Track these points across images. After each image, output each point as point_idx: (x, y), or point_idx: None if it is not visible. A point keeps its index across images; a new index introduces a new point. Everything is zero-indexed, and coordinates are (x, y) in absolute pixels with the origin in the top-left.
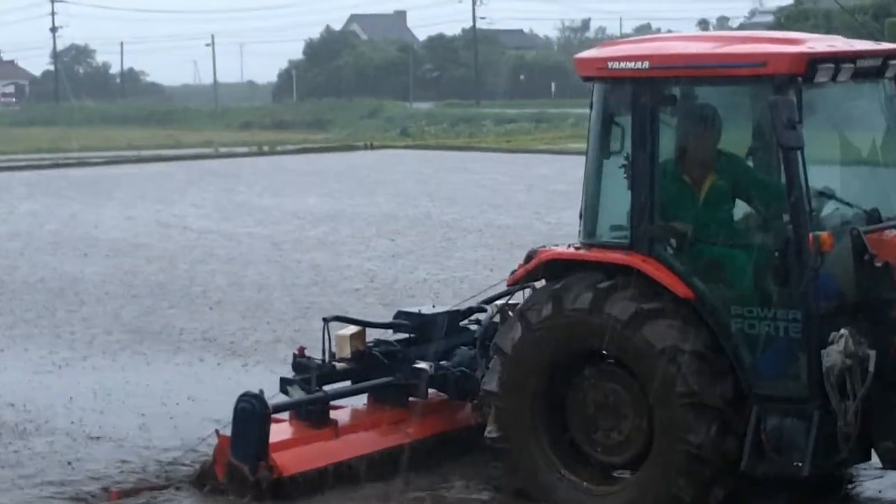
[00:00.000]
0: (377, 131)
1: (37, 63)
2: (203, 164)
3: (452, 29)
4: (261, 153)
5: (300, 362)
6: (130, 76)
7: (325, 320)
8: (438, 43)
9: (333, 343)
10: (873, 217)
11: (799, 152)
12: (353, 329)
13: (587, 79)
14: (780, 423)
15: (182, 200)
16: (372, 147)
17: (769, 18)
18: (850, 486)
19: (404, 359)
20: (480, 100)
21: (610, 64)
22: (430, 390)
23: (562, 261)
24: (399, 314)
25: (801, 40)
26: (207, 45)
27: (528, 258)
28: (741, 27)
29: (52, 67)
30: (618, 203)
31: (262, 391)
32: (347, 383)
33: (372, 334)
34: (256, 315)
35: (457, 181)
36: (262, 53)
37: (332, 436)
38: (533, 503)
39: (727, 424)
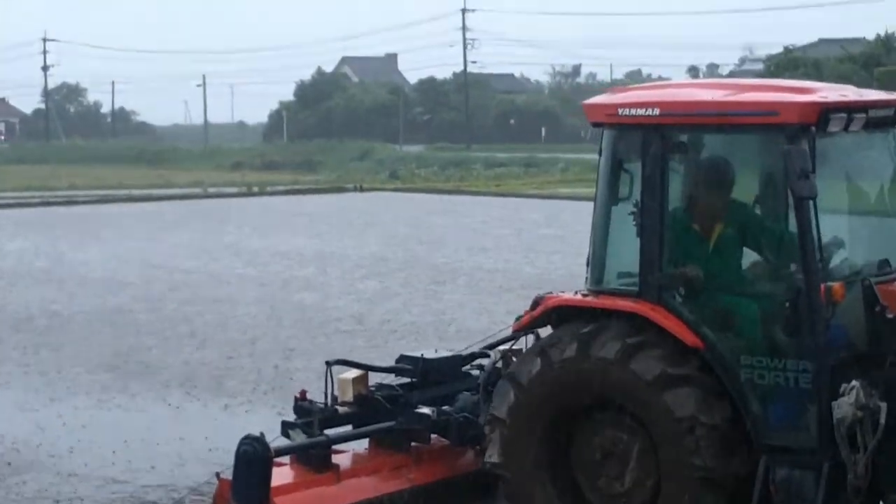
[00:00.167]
0: (367, 173)
1: (28, 101)
2: (192, 204)
3: (443, 72)
4: (250, 194)
5: (302, 405)
6: (121, 115)
7: (328, 364)
8: (429, 86)
9: (336, 387)
10: (884, 267)
11: (811, 202)
12: (355, 373)
13: (596, 125)
14: (789, 475)
15: (170, 240)
16: (361, 189)
17: (759, 66)
18: None
19: (406, 403)
20: (470, 143)
21: (620, 110)
22: (432, 436)
23: (568, 307)
24: (401, 358)
25: (813, 89)
26: (198, 85)
27: (535, 304)
28: (731, 75)
29: (43, 106)
30: (626, 250)
31: (262, 434)
32: (349, 427)
33: (373, 378)
34: (241, 355)
35: (446, 224)
36: (253, 94)
37: (334, 480)
38: None
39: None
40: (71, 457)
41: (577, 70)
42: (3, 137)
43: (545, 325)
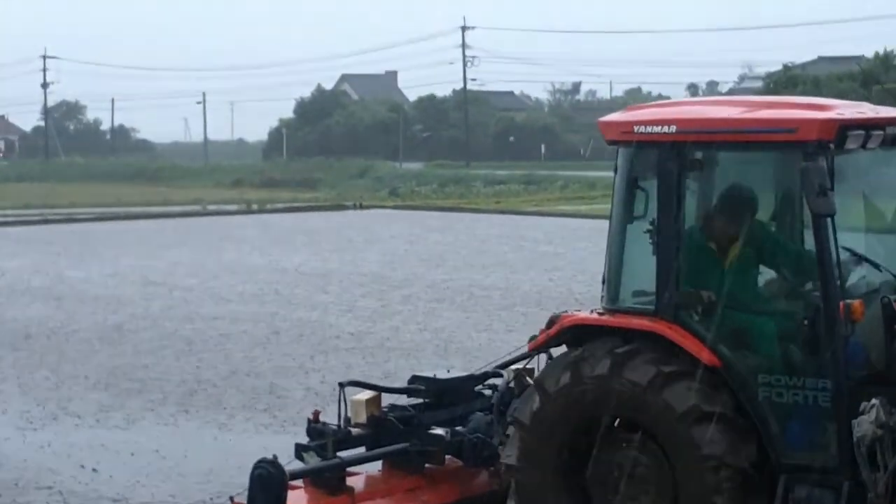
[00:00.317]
0: (367, 191)
1: (27, 119)
2: (192, 222)
3: (443, 90)
4: (250, 211)
5: (315, 427)
6: (121, 133)
7: (341, 385)
8: (429, 104)
9: (349, 408)
10: None
11: (829, 219)
12: (368, 394)
13: (612, 142)
14: (808, 494)
15: (169, 258)
16: (361, 207)
17: (758, 84)
18: None
19: (420, 425)
20: (470, 161)
21: (636, 128)
22: (446, 457)
23: (584, 326)
24: (414, 379)
25: (830, 106)
26: (198, 102)
27: (550, 323)
28: (730, 92)
29: (42, 123)
30: (642, 268)
31: (275, 457)
32: (362, 449)
33: (385, 399)
34: (239, 373)
35: (445, 241)
36: (253, 112)
37: (349, 503)
38: None
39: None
40: (73, 477)
41: (576, 87)
42: (1, 155)
43: (560, 345)
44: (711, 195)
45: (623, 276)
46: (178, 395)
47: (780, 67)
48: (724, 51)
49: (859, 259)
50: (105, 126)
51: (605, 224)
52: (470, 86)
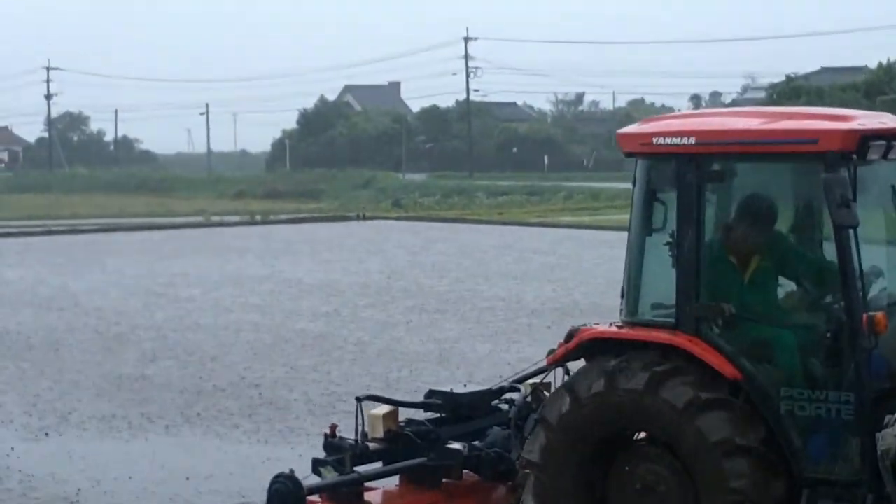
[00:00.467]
0: (370, 202)
1: (31, 130)
2: (195, 233)
3: (446, 101)
4: (253, 222)
5: (332, 442)
6: (124, 144)
7: (358, 399)
8: (432, 114)
9: (366, 423)
10: None
11: (852, 231)
12: (385, 408)
13: (630, 154)
14: None
15: (172, 269)
16: (364, 217)
17: (762, 95)
18: None
19: (437, 439)
20: (473, 171)
21: (655, 139)
22: (464, 471)
23: (603, 339)
24: (431, 393)
25: (851, 117)
26: (202, 113)
27: (569, 337)
28: (733, 103)
29: (46, 134)
30: (661, 281)
31: (292, 471)
32: (379, 464)
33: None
34: (242, 384)
35: (449, 252)
36: (256, 123)
37: None
38: None
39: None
40: (80, 488)
41: (579, 98)
42: (3, 165)
43: (579, 358)
44: (731, 207)
45: (642, 289)
46: (180, 404)
47: (783, 78)
48: (727, 62)
49: (880, 271)
50: (108, 137)
51: (608, 235)
52: (473, 97)
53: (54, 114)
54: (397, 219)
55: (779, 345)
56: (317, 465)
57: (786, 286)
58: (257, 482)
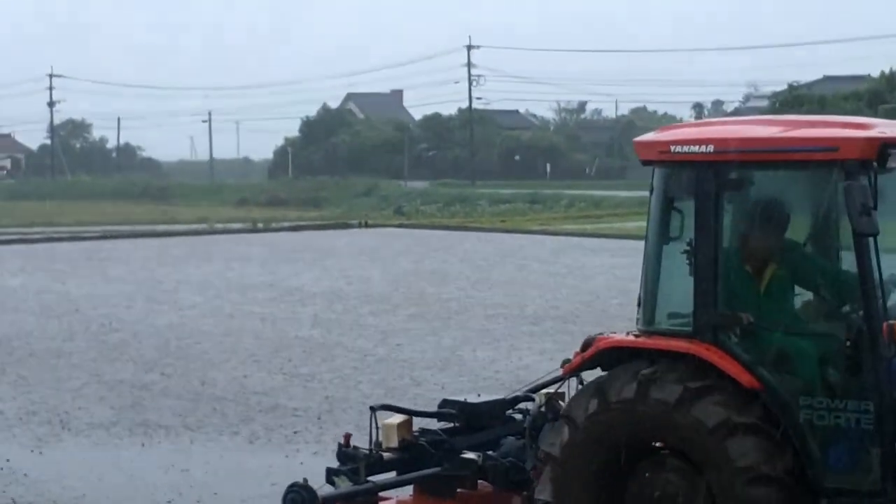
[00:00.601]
0: (372, 209)
1: (34, 137)
2: (197, 240)
3: (448, 109)
4: (255, 230)
5: (346, 452)
6: (127, 151)
7: (372, 409)
8: (434, 122)
9: (380, 432)
10: None
11: (872, 239)
12: (399, 418)
13: (647, 162)
14: None
15: (175, 276)
16: (366, 225)
17: (764, 103)
18: None
19: (451, 449)
20: (475, 179)
21: (672, 147)
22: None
23: (620, 349)
24: (444, 403)
25: (870, 125)
26: (204, 121)
27: (586, 346)
28: (736, 111)
29: (48, 141)
30: (678, 289)
31: (306, 480)
32: (393, 473)
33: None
34: (244, 391)
35: (451, 260)
36: (259, 130)
37: None
38: None
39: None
40: (84, 495)
41: (582, 106)
42: (5, 172)
43: (595, 367)
44: (748, 215)
45: (659, 298)
46: (181, 411)
47: (785, 87)
48: (730, 70)
49: None
50: (111, 144)
51: (611, 243)
52: (475, 104)
53: (57, 121)
54: (399, 226)
55: (797, 354)
56: (331, 475)
57: (802, 295)
58: (258, 489)
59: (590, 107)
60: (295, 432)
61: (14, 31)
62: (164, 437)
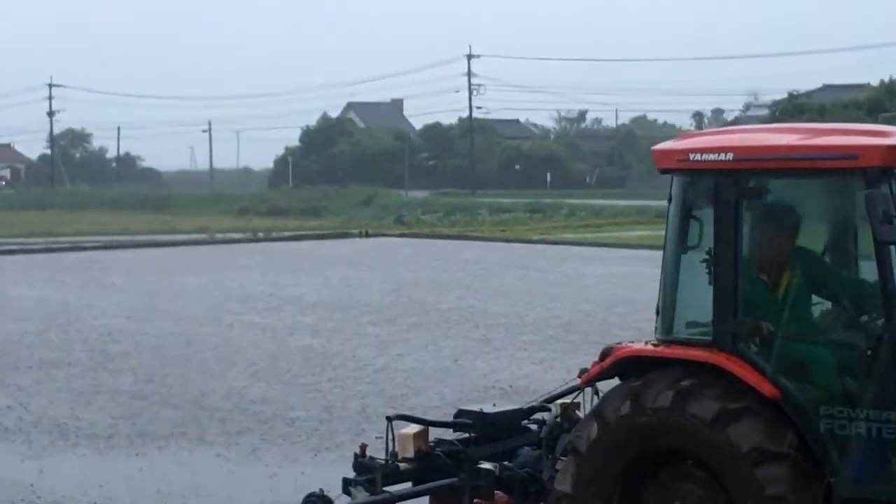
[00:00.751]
0: (372, 219)
1: (33, 147)
2: (197, 250)
3: (449, 118)
4: (255, 239)
5: (362, 462)
6: (126, 161)
7: (389, 419)
8: (435, 132)
9: (396, 442)
10: None
11: (894, 247)
12: (415, 428)
13: (665, 171)
14: None
15: (174, 286)
16: (367, 235)
17: (764, 112)
18: None
19: (467, 459)
20: (476, 189)
21: (691, 156)
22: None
23: (639, 358)
24: (460, 413)
25: (890, 133)
26: (204, 131)
27: (604, 355)
28: (736, 120)
29: (48, 151)
30: (697, 298)
31: (322, 490)
32: (409, 484)
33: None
34: (245, 401)
35: (451, 269)
36: (259, 140)
37: None
38: None
39: None
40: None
41: (582, 115)
42: (4, 183)
43: (613, 377)
44: (767, 223)
45: (677, 307)
46: (180, 421)
47: (785, 95)
48: (730, 79)
49: None
50: (111, 154)
51: (611, 252)
52: (475, 114)
53: (56, 131)
54: (400, 236)
55: (817, 363)
56: (347, 485)
57: (821, 304)
58: (258, 499)
59: (590, 116)
60: (294, 443)
61: (13, 41)
62: (164, 447)
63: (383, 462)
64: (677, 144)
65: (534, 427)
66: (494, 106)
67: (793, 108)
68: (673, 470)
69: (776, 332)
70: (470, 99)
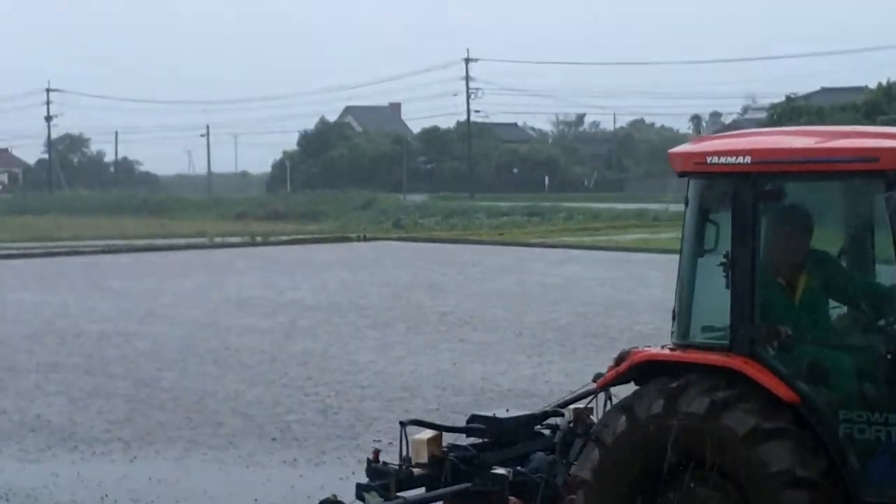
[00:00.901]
0: (370, 223)
1: (31, 151)
2: (195, 254)
3: (447, 122)
4: (254, 244)
5: (376, 468)
6: (124, 165)
7: (402, 424)
8: (433, 135)
9: (410, 448)
10: None
11: None
12: (429, 433)
13: (682, 174)
14: None
15: (173, 290)
16: (365, 238)
17: (762, 115)
18: None
19: (480, 464)
20: (474, 192)
21: (709, 159)
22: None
23: (655, 363)
24: (473, 418)
25: None
26: (202, 135)
27: (620, 359)
28: (734, 123)
29: (46, 156)
30: (714, 302)
31: (335, 496)
32: (422, 489)
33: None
34: (243, 405)
35: (449, 273)
36: (257, 144)
37: None
38: None
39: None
40: None
41: (580, 119)
42: (2, 187)
43: (629, 382)
44: (784, 226)
45: (694, 311)
46: (178, 425)
47: (783, 98)
48: (727, 82)
49: None
50: (109, 159)
51: (609, 255)
52: (473, 117)
53: (54, 135)
54: (398, 240)
55: (835, 367)
56: (361, 491)
57: (838, 308)
58: (255, 502)
59: (588, 119)
60: (291, 446)
61: (11, 46)
62: (161, 450)
63: (397, 467)
64: (694, 147)
65: (547, 432)
66: (492, 109)
67: (791, 111)
68: (697, 474)
69: (794, 336)
70: (468, 102)
